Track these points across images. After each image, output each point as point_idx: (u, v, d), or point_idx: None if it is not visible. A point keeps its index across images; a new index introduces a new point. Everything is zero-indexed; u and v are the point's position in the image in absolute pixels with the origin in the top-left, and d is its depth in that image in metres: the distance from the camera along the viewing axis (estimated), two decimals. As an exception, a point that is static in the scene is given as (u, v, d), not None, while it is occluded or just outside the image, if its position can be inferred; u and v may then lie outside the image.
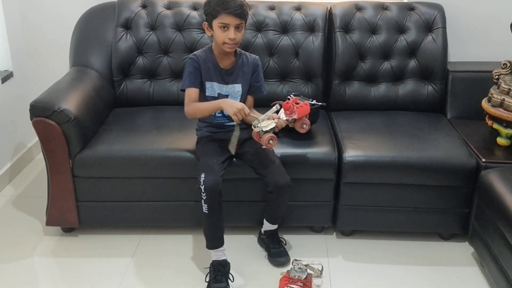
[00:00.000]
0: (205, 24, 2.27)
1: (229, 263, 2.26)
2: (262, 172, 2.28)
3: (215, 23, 2.20)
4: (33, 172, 3.15)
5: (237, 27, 2.19)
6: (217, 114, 2.35)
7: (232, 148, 2.25)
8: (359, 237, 2.59)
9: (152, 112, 2.80)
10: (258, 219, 2.47)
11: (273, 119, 2.20)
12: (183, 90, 2.33)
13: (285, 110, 2.30)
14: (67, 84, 2.62)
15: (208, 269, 2.24)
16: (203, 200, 2.14)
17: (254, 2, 2.92)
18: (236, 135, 2.22)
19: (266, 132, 2.17)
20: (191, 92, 2.31)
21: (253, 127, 2.20)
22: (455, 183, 2.41)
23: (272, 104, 2.64)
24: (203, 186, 2.13)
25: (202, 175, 2.15)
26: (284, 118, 2.27)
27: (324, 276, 2.30)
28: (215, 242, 2.24)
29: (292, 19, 2.89)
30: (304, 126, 2.34)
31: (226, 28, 2.18)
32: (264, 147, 2.21)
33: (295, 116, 2.29)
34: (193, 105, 2.30)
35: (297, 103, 2.31)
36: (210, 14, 2.21)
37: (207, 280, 2.22)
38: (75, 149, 2.38)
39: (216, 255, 2.24)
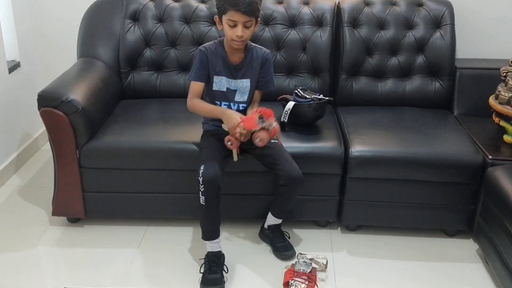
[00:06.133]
0: (216, 17, 2.26)
1: (223, 255, 2.28)
2: (273, 166, 2.27)
3: (224, 19, 2.18)
4: (39, 162, 3.16)
5: (246, 25, 2.17)
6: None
7: (235, 156, 2.27)
8: (363, 232, 2.59)
9: (159, 104, 2.80)
10: (263, 212, 2.47)
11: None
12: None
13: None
14: (75, 74, 2.63)
15: (203, 260, 2.26)
16: (200, 192, 2.15)
17: (263, -4, 2.92)
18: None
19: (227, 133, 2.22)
20: (196, 86, 2.31)
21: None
22: (461, 179, 2.41)
23: (279, 99, 2.66)
24: (201, 178, 2.13)
25: (202, 167, 2.15)
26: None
27: (328, 270, 2.31)
28: (211, 233, 2.25)
29: (300, 13, 2.88)
30: (258, 139, 2.16)
31: (234, 25, 2.16)
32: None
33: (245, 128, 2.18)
34: (196, 103, 2.31)
35: (260, 116, 2.18)
36: (219, 10, 2.19)
37: (202, 271, 2.23)
38: (82, 140, 2.39)
39: (212, 246, 2.26)
